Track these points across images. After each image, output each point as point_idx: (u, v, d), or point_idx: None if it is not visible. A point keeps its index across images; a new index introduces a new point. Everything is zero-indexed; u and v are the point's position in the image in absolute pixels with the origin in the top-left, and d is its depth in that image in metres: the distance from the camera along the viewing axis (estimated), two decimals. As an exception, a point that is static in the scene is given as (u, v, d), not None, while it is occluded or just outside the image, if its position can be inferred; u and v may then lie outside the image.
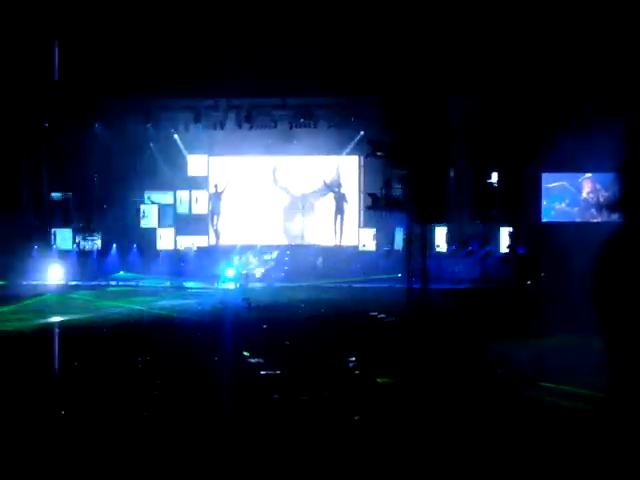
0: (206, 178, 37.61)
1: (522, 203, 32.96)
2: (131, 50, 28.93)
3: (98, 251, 36.15)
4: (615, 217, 3.91)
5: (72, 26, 28.64)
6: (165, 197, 37.83)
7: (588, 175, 34.37)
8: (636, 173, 3.77)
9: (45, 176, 35.28)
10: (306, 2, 27.60)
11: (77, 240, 36.13)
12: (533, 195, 33.28)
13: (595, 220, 33.26)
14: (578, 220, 33.34)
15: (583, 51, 27.21)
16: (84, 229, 36.06)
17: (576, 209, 34.97)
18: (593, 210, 34.84)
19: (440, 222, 27.78)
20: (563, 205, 35.08)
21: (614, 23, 26.35)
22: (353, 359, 14.49)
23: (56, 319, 21.44)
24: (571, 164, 32.39)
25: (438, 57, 26.85)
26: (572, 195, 35.39)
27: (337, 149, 36.47)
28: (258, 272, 34.89)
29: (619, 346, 3.78)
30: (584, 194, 35.10)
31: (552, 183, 34.80)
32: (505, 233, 34.22)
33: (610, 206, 3.84)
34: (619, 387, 3.81)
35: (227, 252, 35.82)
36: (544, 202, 34.53)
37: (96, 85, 30.64)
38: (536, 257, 31.32)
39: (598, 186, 34.73)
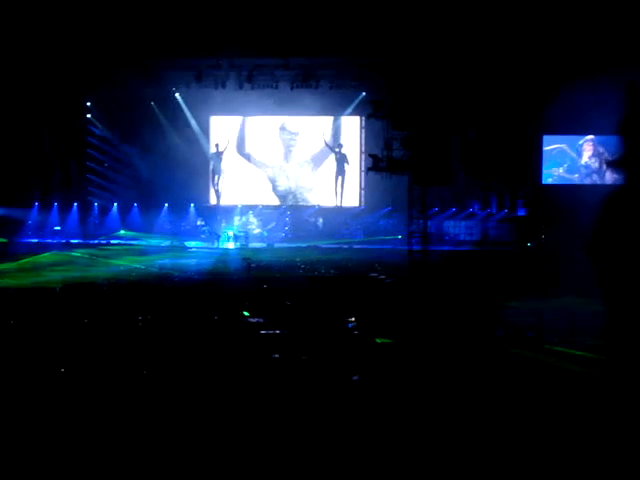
0: (207, 137, 37.53)
1: (523, 165, 32.91)
2: (132, 9, 28.72)
3: (99, 209, 36.17)
4: (618, 178, 3.88)
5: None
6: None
7: (589, 137, 33.97)
8: (636, 130, 3.74)
9: (47, 136, 35.22)
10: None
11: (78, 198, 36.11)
12: (534, 157, 33.19)
13: (597, 183, 32.99)
14: (582, 172, 33.63)
15: (582, 11, 27.05)
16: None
17: (576, 176, 34.50)
18: (595, 176, 34.26)
19: (442, 185, 27.73)
20: (561, 170, 34.51)
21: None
22: (353, 319, 14.53)
23: (58, 276, 21.62)
24: (573, 126, 32.04)
25: (439, 17, 26.71)
26: (572, 160, 34.56)
27: (338, 110, 36.35)
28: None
29: (617, 304, 3.78)
30: (585, 158, 34.44)
31: (550, 145, 34.21)
32: (506, 195, 34.17)
33: (612, 165, 3.84)
34: (617, 346, 3.83)
35: (228, 212, 35.97)
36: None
37: (98, 45, 30.47)
38: (537, 219, 31.33)
39: (601, 149, 34.06)
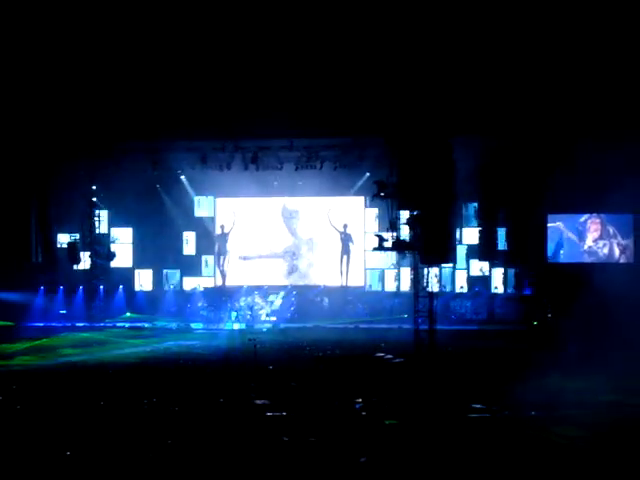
0: (213, 219, 37.66)
1: (528, 244, 32.75)
2: (138, 93, 29.12)
3: (105, 292, 36.10)
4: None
5: (78, 71, 28.86)
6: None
7: (594, 214, 30.97)
8: None
9: (52, 218, 35.35)
10: (312, 45, 27.79)
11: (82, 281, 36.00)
12: (539, 236, 32.90)
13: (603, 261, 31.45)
14: (586, 258, 31.21)
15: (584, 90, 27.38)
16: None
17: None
18: (604, 260, 30.51)
19: (447, 263, 27.79)
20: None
21: (609, 64, 26.55)
22: (360, 400, 14.43)
23: (68, 359, 21.69)
24: (579, 203, 30.73)
25: (443, 99, 26.99)
26: (571, 243, 31.18)
27: (343, 190, 36.53)
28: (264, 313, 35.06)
29: None
30: (590, 241, 31.10)
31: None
32: (512, 274, 33.99)
33: None
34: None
35: (234, 292, 35.94)
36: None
37: (103, 128, 30.85)
38: (543, 297, 31.16)
39: (611, 229, 30.63)
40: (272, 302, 35.62)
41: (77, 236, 35.21)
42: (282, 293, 35.85)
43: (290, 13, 26.79)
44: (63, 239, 35.75)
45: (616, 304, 21.83)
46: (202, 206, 37.62)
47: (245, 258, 37.49)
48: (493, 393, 15.38)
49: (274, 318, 34.49)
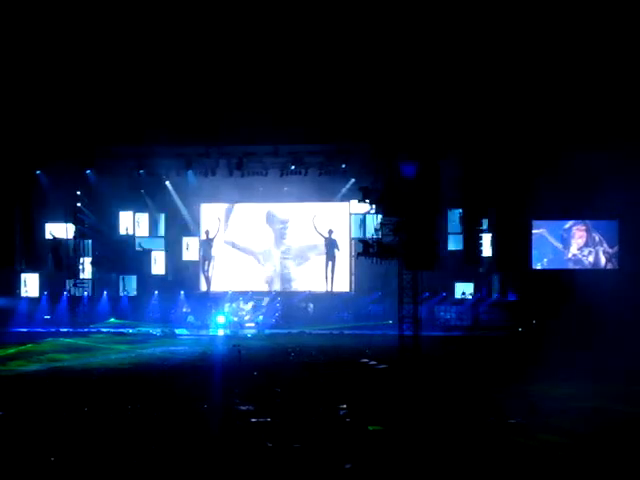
0: (198, 225, 37.57)
1: (512, 250, 32.73)
2: (124, 98, 29.05)
3: (88, 297, 35.97)
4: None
5: (64, 76, 28.79)
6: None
7: (573, 222, 30.65)
8: None
9: (34, 221, 35.16)
10: (297, 52, 27.78)
11: (67, 287, 35.82)
12: (523, 241, 32.84)
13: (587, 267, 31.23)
14: (571, 267, 31.07)
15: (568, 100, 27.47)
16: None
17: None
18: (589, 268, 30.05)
19: (432, 269, 27.80)
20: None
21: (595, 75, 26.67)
22: (344, 406, 14.41)
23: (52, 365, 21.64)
24: (564, 210, 30.59)
25: (428, 107, 27.04)
26: (555, 251, 30.69)
27: (328, 196, 36.51)
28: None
29: None
30: (574, 248, 30.64)
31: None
32: (496, 280, 33.99)
33: None
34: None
35: (219, 298, 35.88)
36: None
37: (89, 133, 30.76)
38: (528, 303, 31.17)
39: (597, 236, 30.12)
40: (258, 307, 35.64)
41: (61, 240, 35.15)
42: (266, 299, 35.91)
43: (275, 20, 26.81)
44: (47, 244, 35.62)
45: (601, 310, 21.92)
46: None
47: (234, 245, 37.43)
48: (477, 400, 15.39)
49: (252, 324, 34.44)
